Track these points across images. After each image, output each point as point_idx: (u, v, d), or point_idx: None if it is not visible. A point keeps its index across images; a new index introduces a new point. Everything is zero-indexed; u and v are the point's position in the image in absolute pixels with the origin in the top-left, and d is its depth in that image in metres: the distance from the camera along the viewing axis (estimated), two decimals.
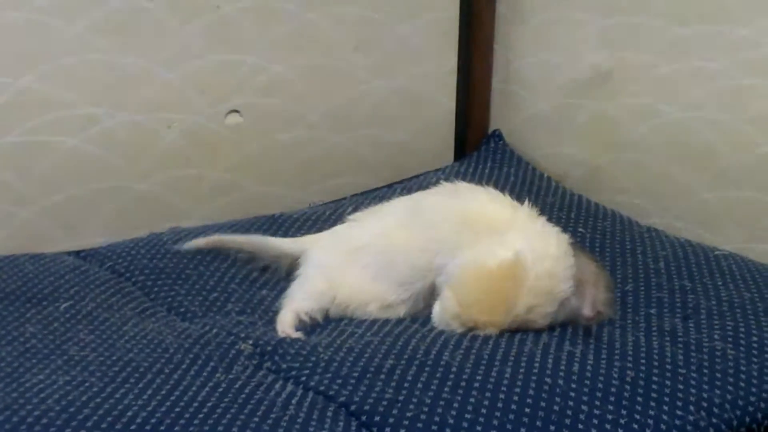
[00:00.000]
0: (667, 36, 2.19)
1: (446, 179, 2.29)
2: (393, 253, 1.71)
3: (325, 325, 1.68)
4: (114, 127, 2.08)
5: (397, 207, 1.81)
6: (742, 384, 1.49)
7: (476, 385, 1.44)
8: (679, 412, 1.41)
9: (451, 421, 1.36)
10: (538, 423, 1.36)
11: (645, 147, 2.28)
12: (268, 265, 1.87)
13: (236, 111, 2.23)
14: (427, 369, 1.48)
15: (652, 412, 1.40)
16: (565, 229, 2.05)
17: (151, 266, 1.87)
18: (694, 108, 2.17)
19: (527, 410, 1.38)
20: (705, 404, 1.43)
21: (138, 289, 1.81)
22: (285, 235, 2.03)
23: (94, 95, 2.04)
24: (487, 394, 1.41)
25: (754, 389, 1.49)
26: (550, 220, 2.09)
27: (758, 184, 2.09)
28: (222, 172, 2.24)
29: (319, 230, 2.03)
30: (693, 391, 1.46)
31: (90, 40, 2.00)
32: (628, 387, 1.45)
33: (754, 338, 1.61)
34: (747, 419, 1.45)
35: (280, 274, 1.84)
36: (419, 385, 1.43)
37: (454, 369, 1.47)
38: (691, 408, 1.42)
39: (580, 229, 2.08)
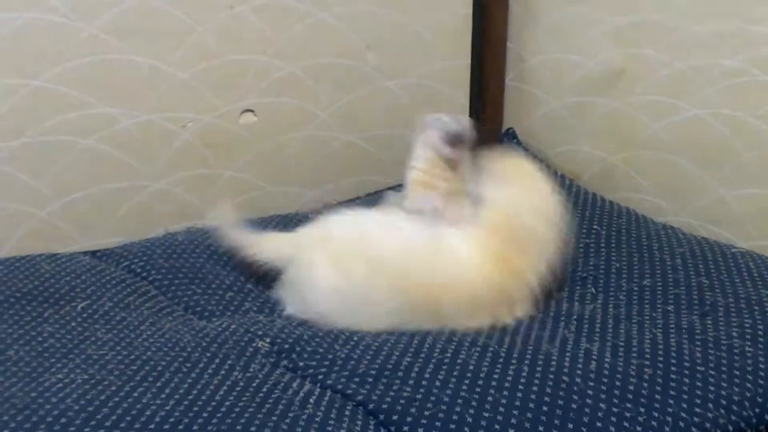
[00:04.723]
0: (681, 33, 2.19)
1: None
2: None
3: None
4: (129, 127, 2.08)
5: None
6: (761, 381, 1.49)
7: (494, 383, 1.44)
8: (697, 410, 1.41)
9: (469, 419, 1.36)
10: (557, 421, 1.36)
11: (660, 144, 2.28)
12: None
13: (250, 110, 2.24)
14: (444, 367, 1.48)
15: (670, 410, 1.40)
16: (580, 227, 2.07)
17: (167, 266, 1.88)
18: (709, 105, 2.16)
19: (545, 408, 1.38)
20: (724, 402, 1.43)
21: (155, 288, 1.81)
22: None
23: (109, 95, 2.04)
24: (505, 393, 1.41)
25: None
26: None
27: None
28: (236, 171, 2.24)
29: None
30: (711, 388, 1.45)
31: (105, 41, 2.01)
32: (645, 385, 1.45)
33: None
34: (766, 416, 1.45)
35: None
36: (437, 383, 1.44)
37: (471, 367, 1.48)
38: (710, 405, 1.42)
39: (595, 227, 2.07)
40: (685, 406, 1.41)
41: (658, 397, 1.42)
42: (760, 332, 1.60)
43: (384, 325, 1.62)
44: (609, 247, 1.97)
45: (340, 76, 2.34)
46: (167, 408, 1.36)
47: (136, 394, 1.40)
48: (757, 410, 1.44)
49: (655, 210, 2.27)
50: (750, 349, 1.56)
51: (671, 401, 1.41)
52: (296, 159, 2.32)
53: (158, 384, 1.43)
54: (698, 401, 1.42)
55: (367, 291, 1.64)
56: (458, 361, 1.50)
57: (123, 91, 2.06)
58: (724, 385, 1.46)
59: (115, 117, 2.06)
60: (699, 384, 1.46)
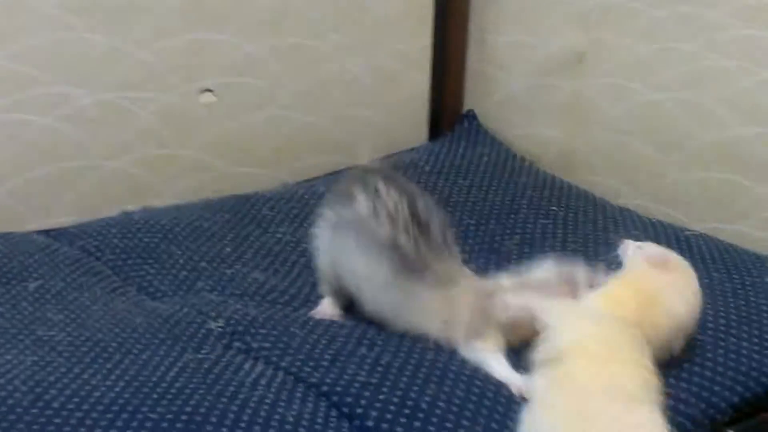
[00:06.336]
0: (641, 17, 2.19)
1: (419, 159, 2.30)
2: None
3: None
4: (86, 106, 2.06)
5: None
6: (708, 365, 1.50)
7: (451, 375, 1.43)
8: None
9: (424, 406, 1.36)
10: (515, 406, 1.37)
11: (618, 128, 2.29)
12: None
13: (210, 90, 2.22)
14: (401, 355, 1.47)
15: None
16: (537, 209, 2.07)
17: (121, 245, 1.87)
18: (667, 89, 2.18)
19: (502, 400, 1.39)
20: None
21: (108, 269, 1.80)
22: (257, 213, 2.03)
23: (66, 74, 2.02)
24: (461, 384, 1.41)
25: (719, 378, 1.50)
26: (522, 200, 2.12)
27: (729, 166, 2.10)
28: (195, 151, 2.23)
29: (292, 209, 2.03)
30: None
31: (62, 18, 1.98)
32: None
33: (722, 321, 1.62)
34: (722, 405, 1.47)
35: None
36: (393, 370, 1.43)
37: (428, 356, 1.47)
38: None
39: (553, 208, 2.08)
40: None
41: None
42: (709, 318, 1.61)
43: None
44: (566, 229, 1.98)
45: (301, 56, 2.33)
46: (116, 390, 1.35)
47: (85, 376, 1.39)
48: (713, 400, 1.46)
49: (612, 192, 2.28)
50: (700, 337, 1.56)
51: None
52: (256, 139, 2.31)
53: (108, 366, 1.42)
54: None
55: None
56: (416, 350, 1.49)
57: (80, 70, 2.04)
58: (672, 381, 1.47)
59: (72, 96, 2.04)
60: None
